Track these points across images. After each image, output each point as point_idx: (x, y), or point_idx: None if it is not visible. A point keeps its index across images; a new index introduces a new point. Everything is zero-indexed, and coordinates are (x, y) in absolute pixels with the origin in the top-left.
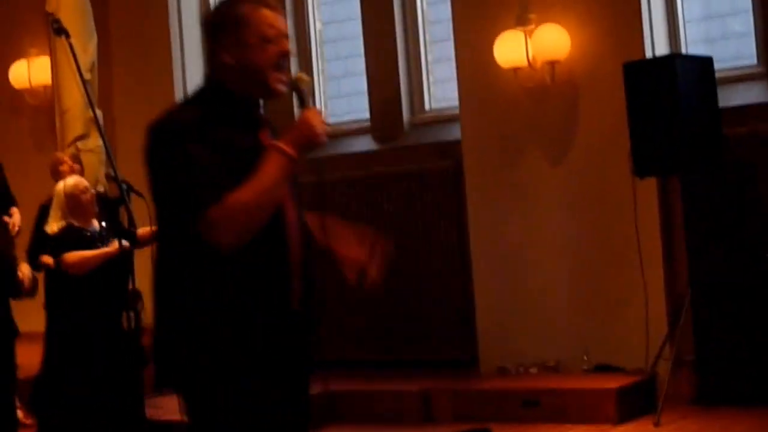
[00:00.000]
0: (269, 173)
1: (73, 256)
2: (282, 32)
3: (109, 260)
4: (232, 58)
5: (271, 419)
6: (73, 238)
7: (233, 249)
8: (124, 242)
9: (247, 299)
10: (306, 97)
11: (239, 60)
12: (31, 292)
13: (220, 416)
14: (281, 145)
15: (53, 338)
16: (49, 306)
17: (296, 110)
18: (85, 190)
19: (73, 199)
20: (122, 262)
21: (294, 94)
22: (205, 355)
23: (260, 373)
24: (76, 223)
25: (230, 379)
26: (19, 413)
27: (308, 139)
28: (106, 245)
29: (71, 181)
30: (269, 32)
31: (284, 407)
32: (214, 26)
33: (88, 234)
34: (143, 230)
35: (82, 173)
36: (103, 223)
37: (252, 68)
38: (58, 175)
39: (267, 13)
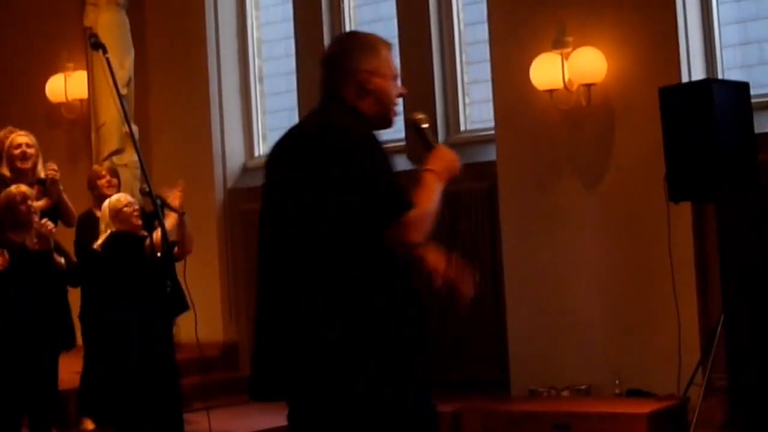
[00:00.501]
0: (434, 190)
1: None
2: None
3: (146, 266)
4: (371, 84)
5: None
6: (121, 241)
7: (418, 249)
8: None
9: (418, 309)
10: (431, 134)
11: (376, 87)
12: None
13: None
14: (437, 171)
15: (89, 345)
16: (84, 317)
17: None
18: (129, 204)
19: (117, 213)
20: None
21: (417, 132)
22: (389, 359)
23: (428, 378)
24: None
25: (411, 384)
26: None
27: (453, 171)
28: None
29: (115, 197)
30: (395, 71)
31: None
32: (358, 48)
33: (134, 236)
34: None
35: (119, 187)
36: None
37: (384, 97)
38: (95, 189)
39: (391, 56)
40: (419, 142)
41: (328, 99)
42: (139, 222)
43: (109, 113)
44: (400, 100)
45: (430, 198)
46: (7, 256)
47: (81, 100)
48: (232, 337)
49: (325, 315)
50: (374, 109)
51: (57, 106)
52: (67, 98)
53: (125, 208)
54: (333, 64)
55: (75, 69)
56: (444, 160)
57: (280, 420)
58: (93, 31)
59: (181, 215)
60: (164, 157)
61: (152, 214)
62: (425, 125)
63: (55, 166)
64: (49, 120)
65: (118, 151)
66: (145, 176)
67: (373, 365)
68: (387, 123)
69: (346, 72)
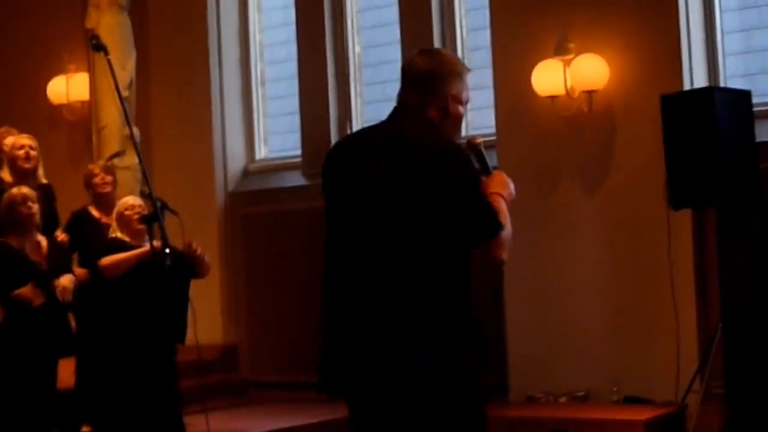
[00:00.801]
0: (506, 212)
1: (107, 259)
2: None
3: (144, 269)
4: (452, 107)
5: None
6: (110, 249)
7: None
8: (155, 243)
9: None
10: (487, 159)
11: (455, 111)
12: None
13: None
14: (502, 194)
15: (85, 350)
16: (80, 321)
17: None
18: (130, 208)
19: (119, 216)
20: (156, 270)
21: (476, 156)
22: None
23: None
24: (119, 236)
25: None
26: None
27: (511, 194)
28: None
29: (123, 200)
30: (467, 97)
31: None
32: (448, 71)
33: (124, 245)
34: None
35: (114, 184)
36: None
37: (456, 121)
38: (91, 188)
39: (466, 82)
40: (478, 166)
41: (409, 112)
42: (140, 226)
43: (111, 115)
44: None
45: (507, 219)
46: (3, 312)
47: (82, 102)
48: (232, 340)
49: (414, 321)
50: (449, 131)
51: (58, 108)
52: (68, 100)
53: (126, 212)
54: (422, 81)
55: (76, 71)
56: (503, 184)
57: (280, 422)
58: (95, 32)
59: (201, 258)
60: (165, 160)
61: (153, 217)
62: (482, 148)
63: (64, 237)
64: (50, 122)
65: (119, 153)
66: (145, 179)
67: (461, 371)
68: None
69: (435, 93)
